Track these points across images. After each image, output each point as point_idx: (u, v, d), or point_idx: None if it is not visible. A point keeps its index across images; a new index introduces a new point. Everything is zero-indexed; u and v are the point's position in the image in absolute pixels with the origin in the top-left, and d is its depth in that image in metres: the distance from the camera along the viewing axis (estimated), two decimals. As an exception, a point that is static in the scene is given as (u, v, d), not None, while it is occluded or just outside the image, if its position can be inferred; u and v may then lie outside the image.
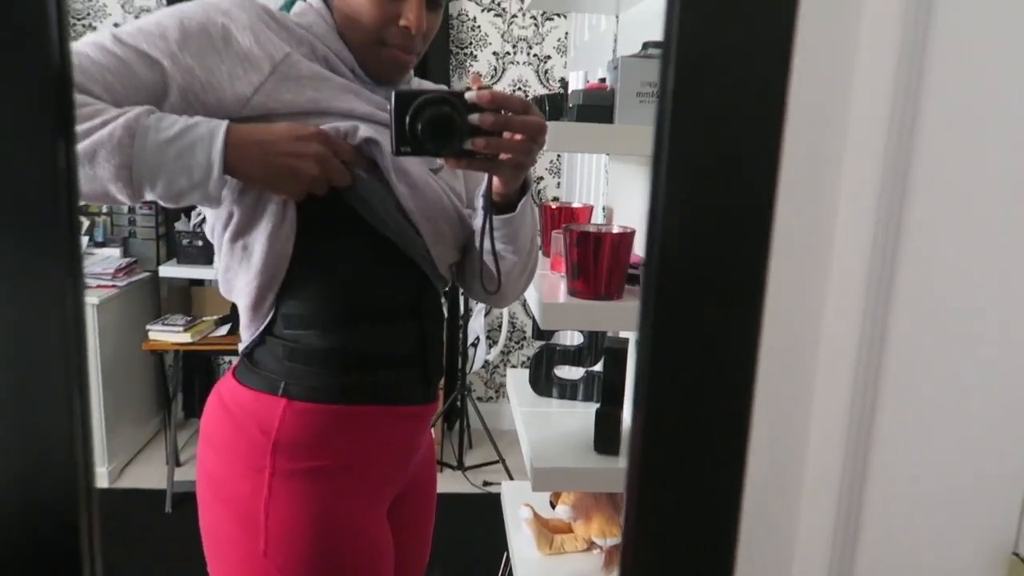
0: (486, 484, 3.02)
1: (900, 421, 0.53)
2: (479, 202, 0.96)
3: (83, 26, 3.21)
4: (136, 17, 3.19)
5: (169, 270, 2.93)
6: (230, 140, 0.81)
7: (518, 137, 0.85)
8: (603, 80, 1.47)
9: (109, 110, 0.79)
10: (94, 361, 2.74)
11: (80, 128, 0.76)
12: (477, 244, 0.97)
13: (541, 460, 1.27)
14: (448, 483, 2.98)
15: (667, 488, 0.33)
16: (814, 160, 0.43)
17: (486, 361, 3.36)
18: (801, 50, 0.38)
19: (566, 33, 3.35)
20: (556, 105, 1.46)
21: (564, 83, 1.72)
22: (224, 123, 0.81)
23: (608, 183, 2.08)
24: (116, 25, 3.17)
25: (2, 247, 0.26)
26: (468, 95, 0.84)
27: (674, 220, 0.38)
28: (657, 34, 1.47)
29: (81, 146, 0.76)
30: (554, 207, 1.57)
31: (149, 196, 0.81)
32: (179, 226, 2.93)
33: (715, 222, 0.37)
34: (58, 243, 0.28)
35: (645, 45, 1.35)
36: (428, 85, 1.05)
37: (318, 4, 0.94)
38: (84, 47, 0.82)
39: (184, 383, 3.26)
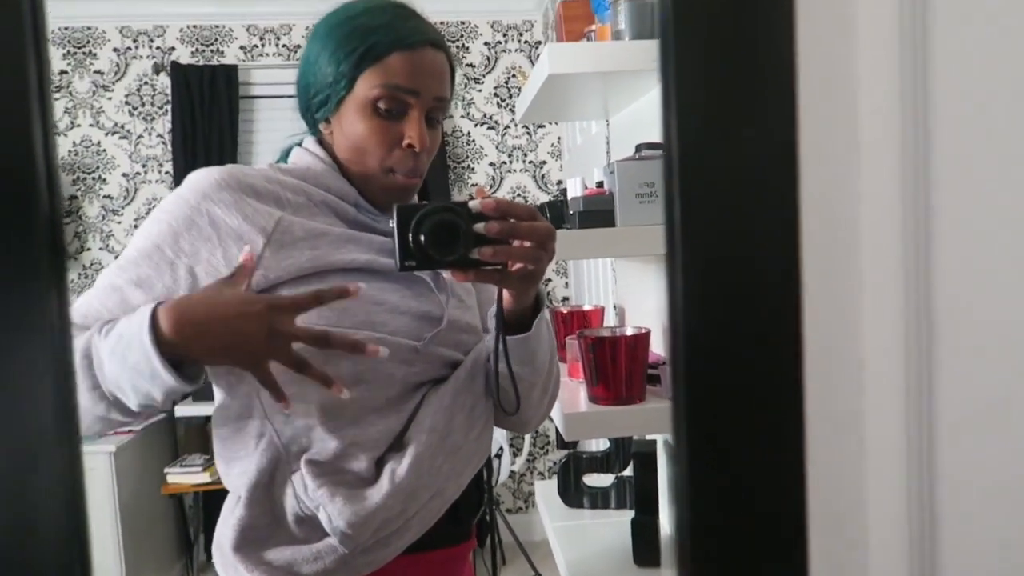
0: (524, 602, 2.87)
1: (960, 518, 0.50)
2: (492, 322, 0.93)
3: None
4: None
5: (185, 409, 2.91)
6: (165, 320, 0.75)
7: (526, 244, 0.83)
8: (600, 184, 1.48)
9: (80, 336, 0.80)
10: (112, 508, 2.68)
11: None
12: (492, 366, 0.94)
13: (580, 581, 1.21)
14: (484, 605, 2.84)
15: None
16: (831, 250, 0.41)
17: (512, 471, 3.28)
18: (806, 136, 0.37)
19: (559, 138, 3.44)
20: (557, 212, 1.47)
21: (562, 189, 1.74)
22: (151, 305, 0.77)
23: (616, 281, 2.07)
24: (108, 198, 3.28)
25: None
26: (472, 204, 0.82)
27: (698, 322, 0.36)
28: (648, 134, 1.50)
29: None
30: (565, 311, 1.56)
31: (137, 407, 0.79)
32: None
33: (740, 320, 0.35)
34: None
35: (638, 147, 1.37)
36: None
37: (315, 147, 0.95)
38: (88, 299, 0.85)
39: (205, 523, 3.18)
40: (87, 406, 0.79)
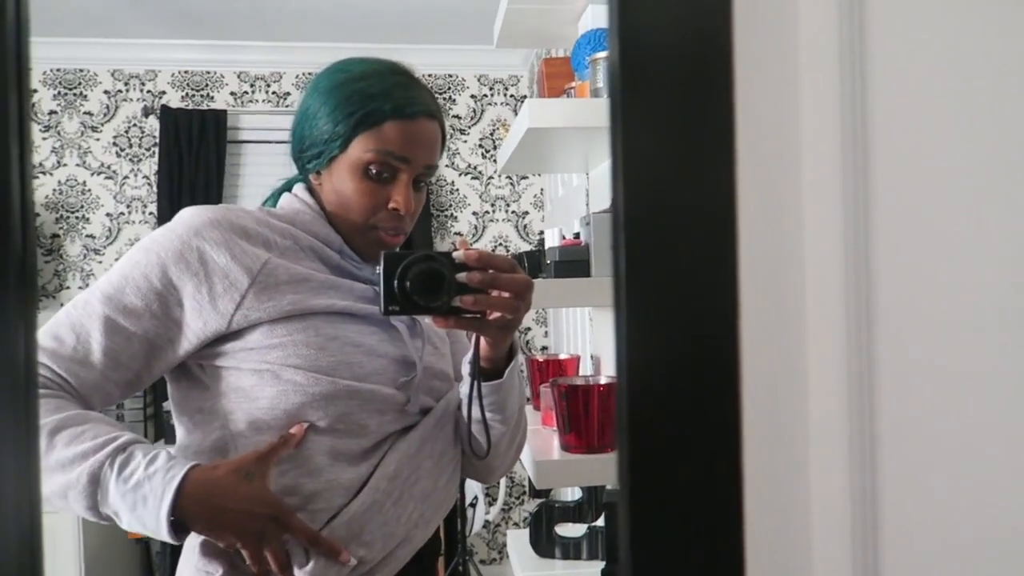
0: (496, 658, 2.81)
1: None
2: (466, 368, 0.95)
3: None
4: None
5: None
6: (186, 499, 0.81)
7: (505, 295, 0.87)
8: (577, 235, 1.52)
9: (84, 437, 0.81)
10: (77, 553, 2.62)
11: (55, 457, 0.80)
12: (464, 411, 0.95)
13: (548, 631, 1.20)
14: (455, 660, 2.77)
15: None
16: (775, 304, 0.43)
17: (486, 521, 3.24)
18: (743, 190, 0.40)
19: (541, 189, 3.50)
20: (534, 262, 1.50)
21: (541, 239, 1.77)
22: (179, 474, 0.81)
23: (593, 331, 2.09)
24: (91, 237, 3.28)
25: None
26: (456, 254, 0.86)
27: (641, 373, 0.37)
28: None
29: (55, 484, 0.81)
30: (541, 359, 1.58)
31: (127, 529, 0.84)
32: (167, 406, 2.90)
33: (680, 372, 0.37)
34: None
35: (614, 200, 1.41)
36: None
37: (303, 194, 0.98)
38: (70, 323, 0.87)
39: (171, 572, 3.10)
40: (79, 511, 0.82)
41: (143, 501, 0.80)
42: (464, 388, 0.95)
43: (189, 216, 0.90)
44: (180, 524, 0.82)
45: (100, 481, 0.80)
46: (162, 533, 0.80)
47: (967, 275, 0.42)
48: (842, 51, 0.42)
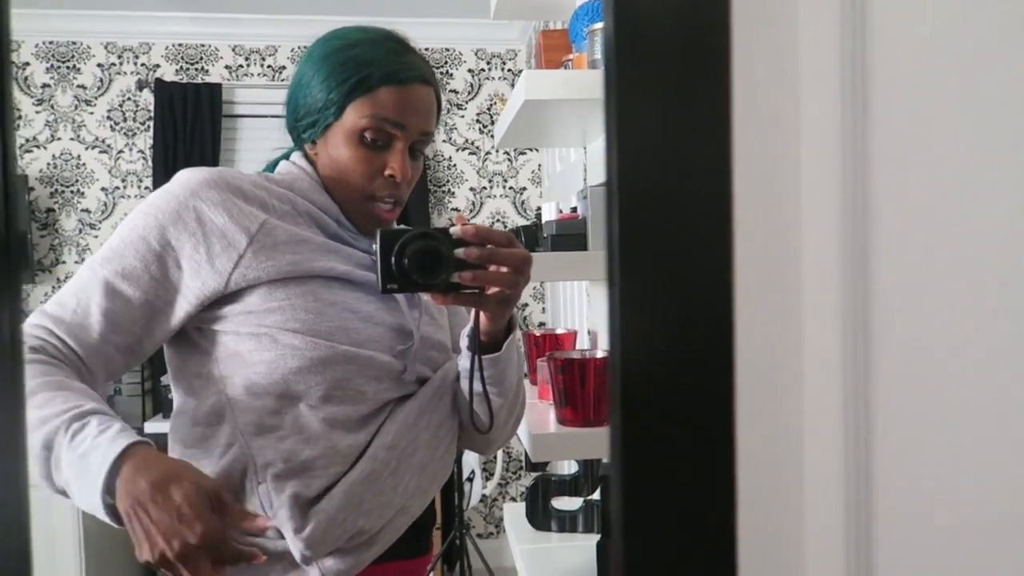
0: (493, 629, 2.85)
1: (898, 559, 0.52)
2: (464, 342, 0.96)
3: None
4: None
5: (155, 426, 2.87)
6: (126, 462, 0.75)
7: (504, 269, 0.87)
8: (575, 209, 1.51)
9: (53, 403, 0.78)
10: (76, 533, 2.64)
11: (29, 416, 0.78)
12: (464, 385, 0.96)
13: (544, 602, 1.21)
14: (453, 631, 2.81)
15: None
16: (768, 273, 0.43)
17: (483, 495, 3.27)
18: (739, 172, 0.40)
19: (539, 165, 3.48)
20: (531, 236, 1.49)
21: (538, 213, 1.77)
22: (123, 444, 0.76)
23: (590, 306, 2.10)
24: (86, 211, 3.27)
25: None
26: (453, 230, 0.86)
27: (633, 348, 0.37)
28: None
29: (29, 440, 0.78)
30: (538, 334, 1.58)
31: (80, 506, 0.80)
32: (165, 380, 2.91)
33: (674, 347, 0.37)
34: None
35: (611, 174, 1.40)
36: None
37: (301, 162, 0.97)
38: (74, 291, 0.86)
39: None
40: (35, 477, 0.79)
41: (86, 472, 0.76)
42: (464, 362, 0.96)
43: (186, 177, 0.90)
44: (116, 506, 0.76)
45: (53, 447, 0.77)
46: (98, 509, 0.75)
47: (965, 262, 0.42)
48: (843, 24, 0.42)
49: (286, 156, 1.00)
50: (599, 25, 1.31)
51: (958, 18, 0.39)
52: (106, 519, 0.76)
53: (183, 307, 0.87)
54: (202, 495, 0.75)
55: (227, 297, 0.88)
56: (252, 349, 0.87)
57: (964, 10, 0.39)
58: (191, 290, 0.87)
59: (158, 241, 0.86)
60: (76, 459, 0.76)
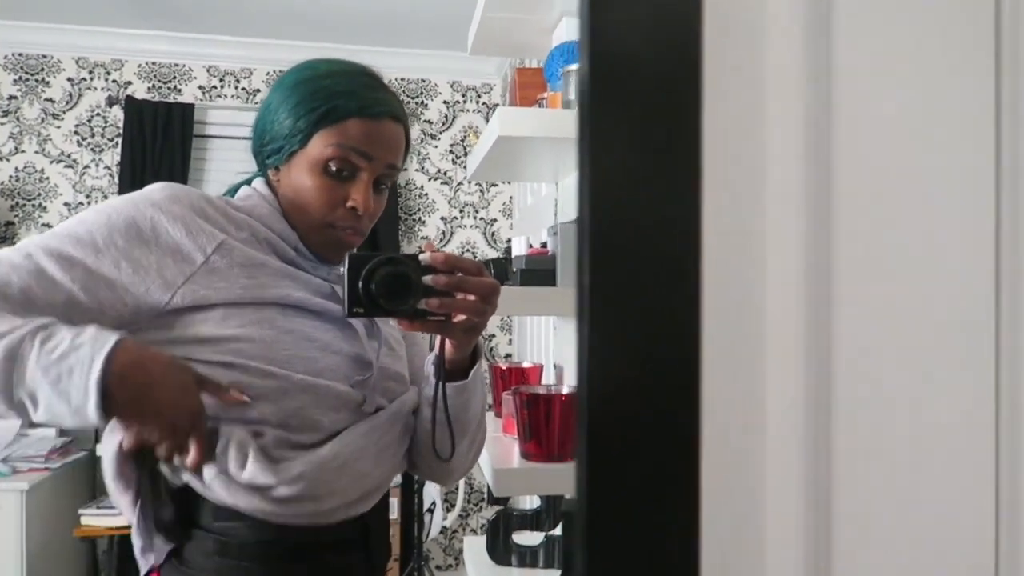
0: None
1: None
2: (429, 369, 0.95)
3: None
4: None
5: (108, 448, 2.79)
6: (116, 360, 0.76)
7: (471, 298, 0.86)
8: (544, 245, 1.52)
9: (6, 319, 0.77)
10: (18, 551, 2.54)
11: None
12: (427, 413, 0.95)
13: (501, 640, 1.19)
14: (406, 667, 2.75)
15: None
16: (734, 312, 0.44)
17: (443, 527, 3.22)
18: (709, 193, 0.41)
19: (511, 197, 3.51)
20: (501, 269, 1.50)
21: (508, 247, 1.78)
22: (110, 341, 0.77)
23: (556, 340, 2.10)
24: (47, 226, 3.21)
25: None
26: (422, 257, 0.86)
27: (600, 383, 0.38)
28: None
29: None
30: (504, 367, 1.58)
31: (37, 420, 0.77)
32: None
33: (640, 382, 0.37)
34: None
35: (582, 211, 1.42)
36: None
37: (262, 188, 0.97)
38: (10, 254, 0.82)
39: (119, 571, 3.02)
40: None
41: (68, 373, 0.75)
42: (428, 390, 0.95)
43: (151, 189, 0.89)
44: (106, 401, 0.76)
45: (17, 357, 0.75)
46: (89, 408, 0.75)
47: (926, 290, 0.43)
48: (808, 69, 0.43)
49: (248, 181, 1.00)
50: (574, 67, 1.33)
51: (919, 50, 0.41)
52: (92, 415, 0.75)
53: (117, 308, 0.84)
54: (192, 387, 0.82)
55: (175, 314, 0.85)
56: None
57: (926, 37, 0.40)
58: (131, 295, 0.83)
59: (103, 240, 0.84)
60: (53, 361, 0.75)
